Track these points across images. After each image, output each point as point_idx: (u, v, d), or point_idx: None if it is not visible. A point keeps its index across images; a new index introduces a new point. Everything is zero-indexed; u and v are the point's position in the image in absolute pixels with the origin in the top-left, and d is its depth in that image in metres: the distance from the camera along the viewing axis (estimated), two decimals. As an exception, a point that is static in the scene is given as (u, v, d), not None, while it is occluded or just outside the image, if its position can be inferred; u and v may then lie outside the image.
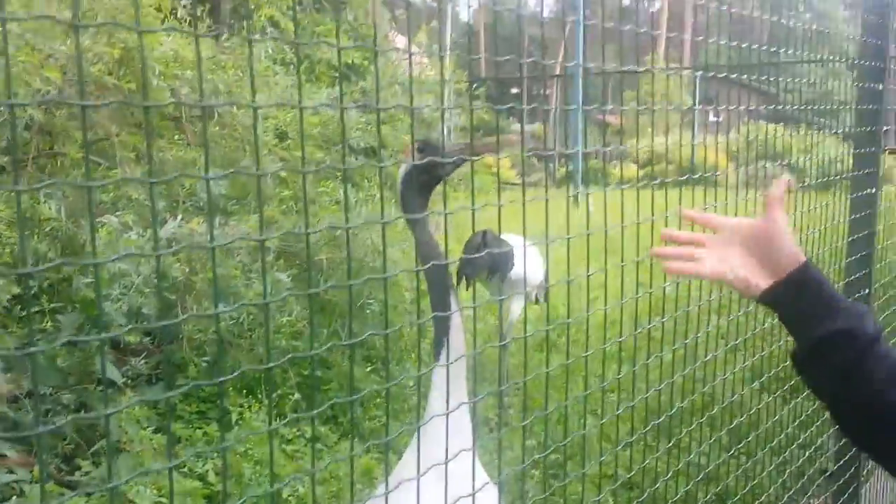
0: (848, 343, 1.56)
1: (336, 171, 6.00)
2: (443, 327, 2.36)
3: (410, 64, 2.11)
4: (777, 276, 1.67)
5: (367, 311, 5.48)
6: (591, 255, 2.27)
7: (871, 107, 4.09)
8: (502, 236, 5.35)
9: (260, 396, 5.04)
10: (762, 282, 1.70)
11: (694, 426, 3.05)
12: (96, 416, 1.32)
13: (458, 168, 2.46)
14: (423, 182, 2.46)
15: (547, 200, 2.13)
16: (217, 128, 5.90)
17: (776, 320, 3.50)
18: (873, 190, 4.14)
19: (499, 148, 2.22)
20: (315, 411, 1.65)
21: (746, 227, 1.75)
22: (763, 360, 3.47)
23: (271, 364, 1.51)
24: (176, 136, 5.99)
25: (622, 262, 2.45)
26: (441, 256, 2.33)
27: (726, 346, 3.20)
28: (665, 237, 1.91)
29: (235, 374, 1.57)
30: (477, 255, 5.00)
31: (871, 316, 1.62)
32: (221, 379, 1.47)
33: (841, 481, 4.11)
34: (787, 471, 3.68)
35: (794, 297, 1.68)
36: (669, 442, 2.93)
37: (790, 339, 3.32)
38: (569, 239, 2.14)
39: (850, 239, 4.08)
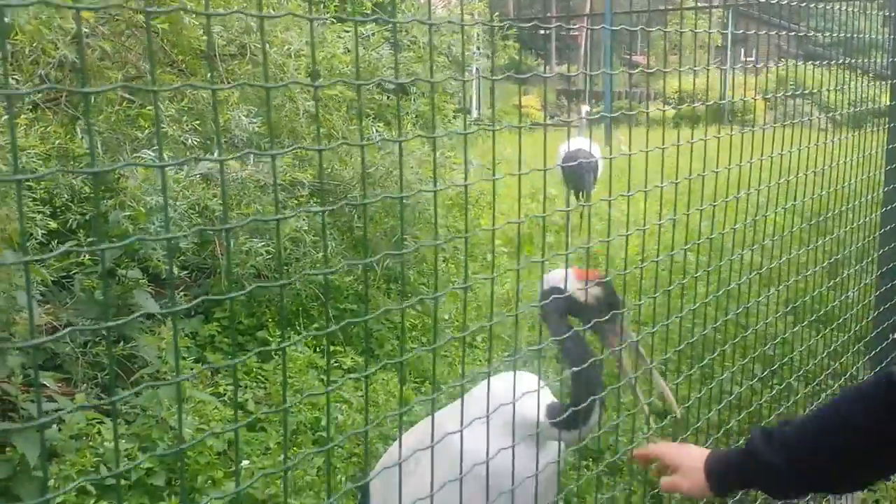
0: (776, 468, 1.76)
1: (371, 109, 6.01)
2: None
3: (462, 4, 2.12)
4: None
5: (404, 246, 5.53)
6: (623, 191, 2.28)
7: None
8: (579, 148, 8.70)
9: (298, 328, 5.14)
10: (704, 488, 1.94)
11: (717, 352, 3.08)
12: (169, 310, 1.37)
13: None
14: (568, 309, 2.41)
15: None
16: (249, 66, 5.90)
17: (811, 246, 3.51)
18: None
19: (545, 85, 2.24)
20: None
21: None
22: (795, 289, 3.48)
23: (364, 260, 1.55)
24: (209, 75, 6.00)
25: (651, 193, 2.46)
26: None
27: (758, 273, 3.21)
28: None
29: (341, 267, 1.60)
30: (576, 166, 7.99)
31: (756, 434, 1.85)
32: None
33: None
34: (820, 399, 3.71)
35: (727, 484, 1.95)
36: (702, 371, 2.97)
37: (821, 267, 3.33)
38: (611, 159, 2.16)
39: (888, 168, 4.08)
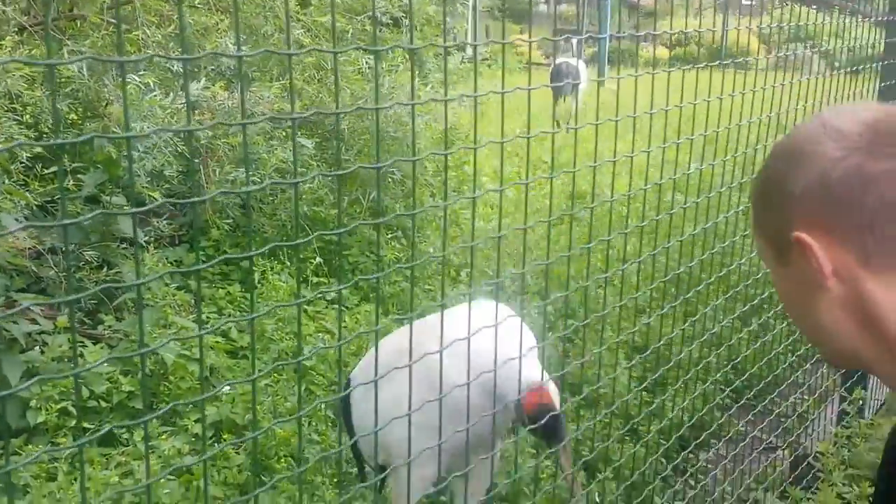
0: None
1: (361, 40, 5.91)
2: None
3: None
4: None
5: (390, 180, 5.50)
6: (616, 133, 2.26)
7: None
8: (565, 60, 10.19)
9: (282, 258, 5.13)
10: None
11: (701, 286, 3.08)
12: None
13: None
14: None
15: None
16: (239, -6, 5.80)
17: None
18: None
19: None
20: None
21: None
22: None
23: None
24: (197, 1, 5.89)
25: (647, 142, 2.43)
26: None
27: (743, 213, 3.21)
28: None
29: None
30: (563, 83, 9.51)
31: None
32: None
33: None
34: (796, 334, 3.71)
35: None
36: (684, 308, 2.99)
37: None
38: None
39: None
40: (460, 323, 1.92)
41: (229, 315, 4.63)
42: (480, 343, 1.97)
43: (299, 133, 5.41)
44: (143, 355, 1.38)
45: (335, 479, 3.56)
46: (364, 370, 2.88)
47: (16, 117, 4.79)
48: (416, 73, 6.05)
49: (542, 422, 2.26)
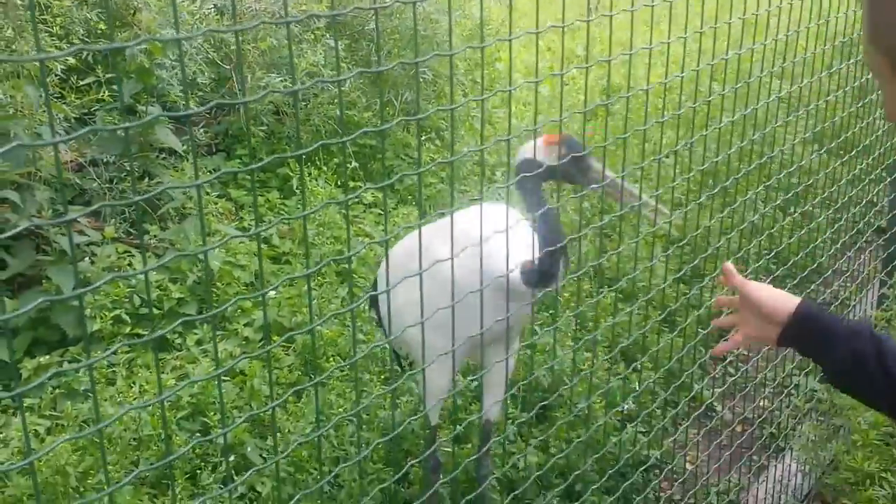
0: (859, 362, 1.56)
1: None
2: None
3: None
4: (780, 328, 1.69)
5: (421, 80, 5.46)
6: (652, 21, 2.21)
7: None
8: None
9: (318, 163, 5.16)
10: (773, 334, 1.71)
11: (741, 174, 3.06)
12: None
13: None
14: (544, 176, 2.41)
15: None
16: None
17: (837, 68, 3.41)
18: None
19: None
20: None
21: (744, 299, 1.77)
22: (818, 114, 3.40)
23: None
24: None
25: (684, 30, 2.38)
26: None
27: (780, 98, 3.15)
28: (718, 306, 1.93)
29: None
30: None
31: (868, 330, 1.60)
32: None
33: (889, 233, 4.12)
34: (841, 223, 3.68)
35: (801, 339, 1.71)
36: (725, 202, 2.98)
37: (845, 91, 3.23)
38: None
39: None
40: (468, 224, 1.97)
41: (269, 221, 4.70)
42: (487, 243, 2.02)
43: (328, 34, 5.37)
44: (205, 253, 1.43)
45: (382, 376, 3.68)
46: (384, 270, 2.94)
47: (47, 29, 4.80)
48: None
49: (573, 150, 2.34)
